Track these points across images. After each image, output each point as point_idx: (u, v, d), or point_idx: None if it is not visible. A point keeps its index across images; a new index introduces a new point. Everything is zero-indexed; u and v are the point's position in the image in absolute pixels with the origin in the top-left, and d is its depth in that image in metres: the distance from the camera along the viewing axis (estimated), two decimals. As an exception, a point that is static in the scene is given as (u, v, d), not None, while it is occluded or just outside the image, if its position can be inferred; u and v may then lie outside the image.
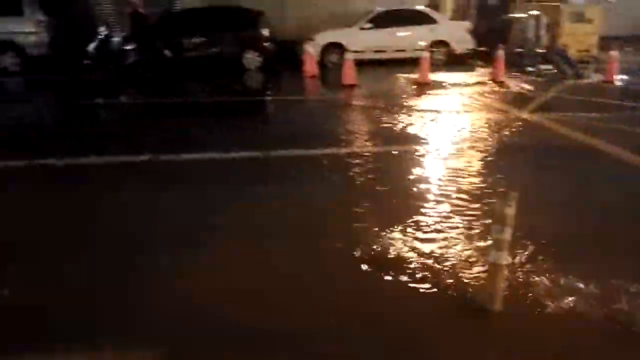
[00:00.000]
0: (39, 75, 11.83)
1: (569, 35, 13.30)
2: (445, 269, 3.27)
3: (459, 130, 6.85)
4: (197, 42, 12.82)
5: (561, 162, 5.58)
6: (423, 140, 6.33)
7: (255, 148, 5.91)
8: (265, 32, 12.96)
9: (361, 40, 13.19)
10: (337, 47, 13.08)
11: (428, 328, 2.74)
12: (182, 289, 3.08)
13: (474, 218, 4.02)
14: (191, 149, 5.99)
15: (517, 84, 10.76)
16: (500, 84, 10.76)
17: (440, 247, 3.55)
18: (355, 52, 11.83)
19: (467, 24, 14.39)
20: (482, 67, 13.13)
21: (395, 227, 3.84)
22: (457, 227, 3.87)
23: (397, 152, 5.92)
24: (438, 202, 4.37)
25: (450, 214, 4.11)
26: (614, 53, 11.01)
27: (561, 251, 3.49)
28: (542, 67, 12.38)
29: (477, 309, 2.85)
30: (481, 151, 5.86)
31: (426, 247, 3.55)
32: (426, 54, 11.04)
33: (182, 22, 13.43)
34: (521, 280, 3.13)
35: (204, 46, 12.84)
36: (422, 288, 3.07)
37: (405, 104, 8.76)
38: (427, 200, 4.41)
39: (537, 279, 3.15)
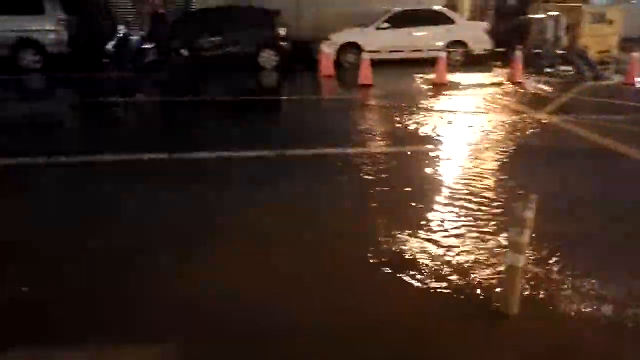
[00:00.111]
0: (59, 73, 11.97)
1: (589, 37, 13.14)
2: (462, 271, 3.24)
3: (476, 132, 6.80)
4: (214, 41, 12.89)
5: (580, 165, 5.52)
6: (439, 142, 6.29)
7: (271, 147, 5.91)
8: (282, 31, 12.99)
9: (378, 41, 13.16)
10: (353, 47, 13.07)
11: (443, 330, 2.71)
12: (184, 287, 3.10)
13: (492, 220, 3.99)
14: (207, 147, 6.02)
15: (535, 86, 10.66)
16: (518, 85, 10.67)
17: (456, 249, 3.52)
18: (372, 52, 11.79)
19: (485, 25, 14.30)
20: (500, 68, 13.03)
21: (411, 228, 3.82)
22: (474, 229, 3.83)
23: (413, 153, 5.89)
24: (455, 203, 4.33)
25: (468, 216, 4.07)
26: (636, 55, 10.84)
27: (582, 254, 3.45)
28: (562, 68, 12.25)
29: (494, 311, 2.82)
30: (499, 153, 5.81)
31: (442, 249, 3.52)
32: (443, 55, 10.98)
33: (199, 22, 13.53)
34: (540, 283, 3.09)
35: (220, 45, 12.90)
36: (438, 290, 3.04)
37: (422, 104, 8.71)
38: (444, 202, 4.37)
39: (556, 282, 3.11)
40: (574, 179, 5.06)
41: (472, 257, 3.41)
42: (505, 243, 3.25)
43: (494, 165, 5.41)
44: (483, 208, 4.23)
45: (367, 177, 5.05)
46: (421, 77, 11.46)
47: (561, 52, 12.48)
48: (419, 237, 3.69)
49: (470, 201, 4.36)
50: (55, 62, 12.18)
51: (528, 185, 4.62)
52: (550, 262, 3.34)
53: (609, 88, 10.57)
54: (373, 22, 13.62)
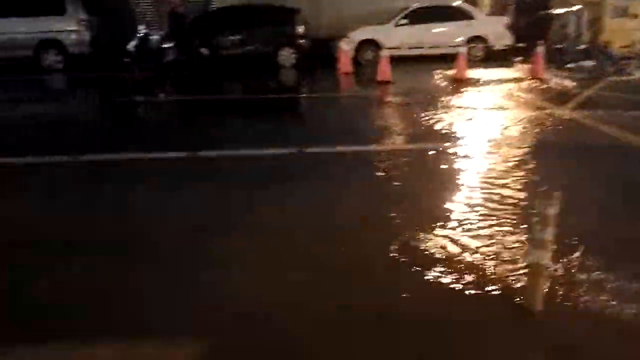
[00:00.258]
0: (80, 73, 12.14)
1: (612, 31, 12.94)
2: (485, 268, 3.23)
3: (497, 128, 6.75)
4: (233, 40, 12.98)
5: (603, 161, 5.44)
6: (460, 138, 6.26)
7: (290, 144, 5.94)
8: (301, 29, 13.02)
9: (396, 37, 13.13)
10: (372, 44, 13.04)
11: (467, 327, 2.71)
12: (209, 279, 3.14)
13: (515, 217, 3.96)
14: (227, 145, 6.07)
15: (556, 81, 10.53)
16: (540, 80, 10.55)
17: (479, 246, 3.51)
18: (391, 48, 11.76)
19: (505, 20, 14.16)
20: (520, 63, 12.88)
21: (433, 225, 3.81)
22: (497, 226, 3.81)
23: (433, 150, 5.86)
24: (477, 200, 4.31)
25: (491, 213, 4.05)
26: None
27: (605, 251, 3.41)
28: (583, 63, 12.08)
29: (518, 308, 2.81)
30: (521, 149, 5.76)
31: (464, 246, 3.51)
32: (463, 50, 10.91)
33: (219, 21, 13.62)
34: (564, 280, 3.07)
35: (239, 44, 12.99)
36: (461, 287, 3.04)
37: (441, 101, 8.67)
38: (466, 199, 4.35)
39: (581, 279, 3.08)
40: (597, 174, 5.00)
41: (495, 254, 3.39)
42: (528, 239, 3.23)
43: (515, 161, 5.37)
44: (506, 204, 4.20)
45: (386, 174, 5.05)
46: (441, 73, 11.40)
47: (583, 47, 12.31)
48: (441, 234, 3.67)
49: (492, 199, 4.33)
50: (77, 62, 12.36)
51: (551, 182, 4.58)
52: (574, 257, 3.31)
53: (631, 83, 10.40)
54: (391, 19, 13.58)
